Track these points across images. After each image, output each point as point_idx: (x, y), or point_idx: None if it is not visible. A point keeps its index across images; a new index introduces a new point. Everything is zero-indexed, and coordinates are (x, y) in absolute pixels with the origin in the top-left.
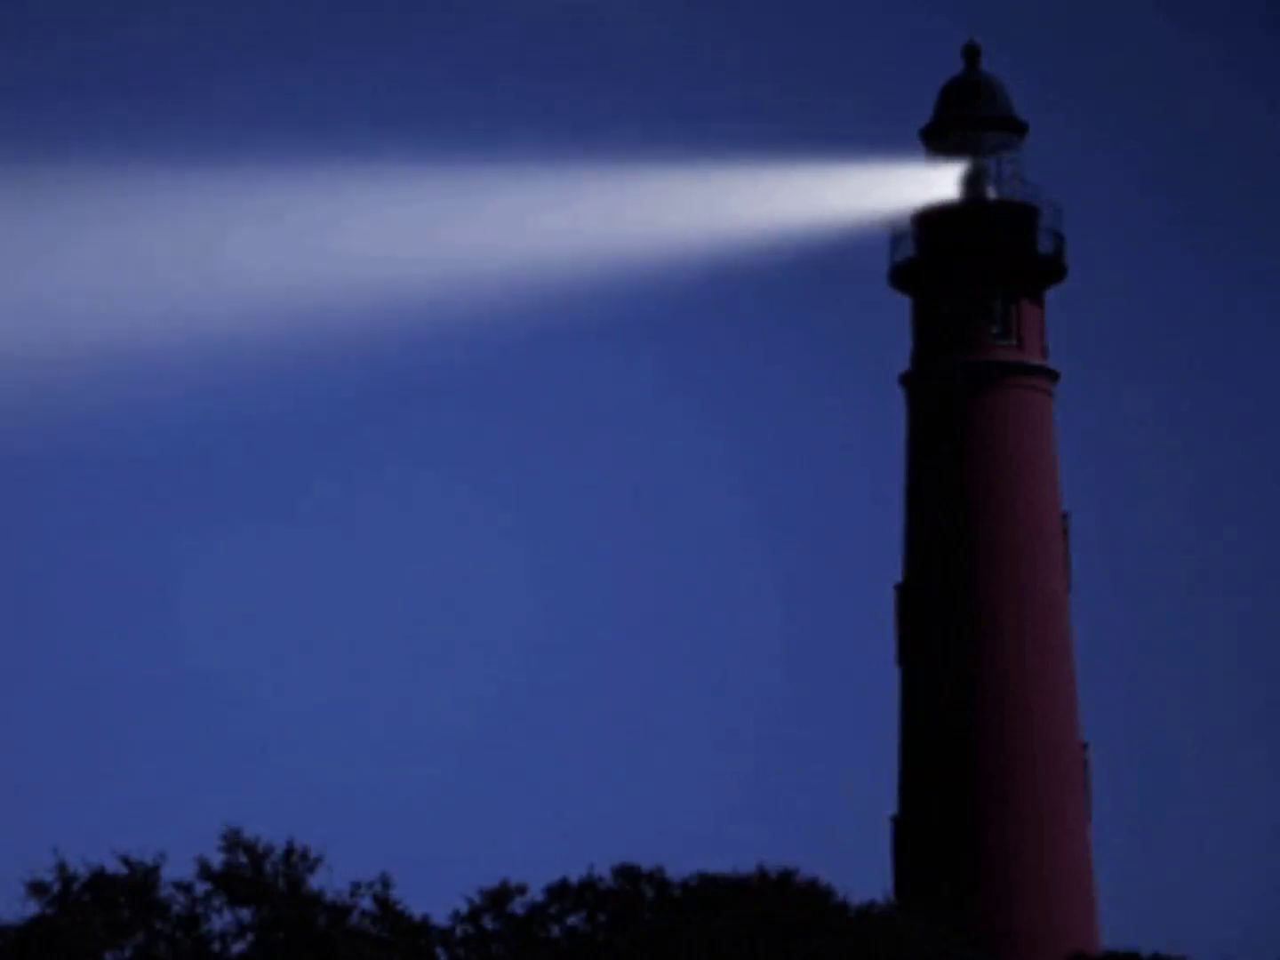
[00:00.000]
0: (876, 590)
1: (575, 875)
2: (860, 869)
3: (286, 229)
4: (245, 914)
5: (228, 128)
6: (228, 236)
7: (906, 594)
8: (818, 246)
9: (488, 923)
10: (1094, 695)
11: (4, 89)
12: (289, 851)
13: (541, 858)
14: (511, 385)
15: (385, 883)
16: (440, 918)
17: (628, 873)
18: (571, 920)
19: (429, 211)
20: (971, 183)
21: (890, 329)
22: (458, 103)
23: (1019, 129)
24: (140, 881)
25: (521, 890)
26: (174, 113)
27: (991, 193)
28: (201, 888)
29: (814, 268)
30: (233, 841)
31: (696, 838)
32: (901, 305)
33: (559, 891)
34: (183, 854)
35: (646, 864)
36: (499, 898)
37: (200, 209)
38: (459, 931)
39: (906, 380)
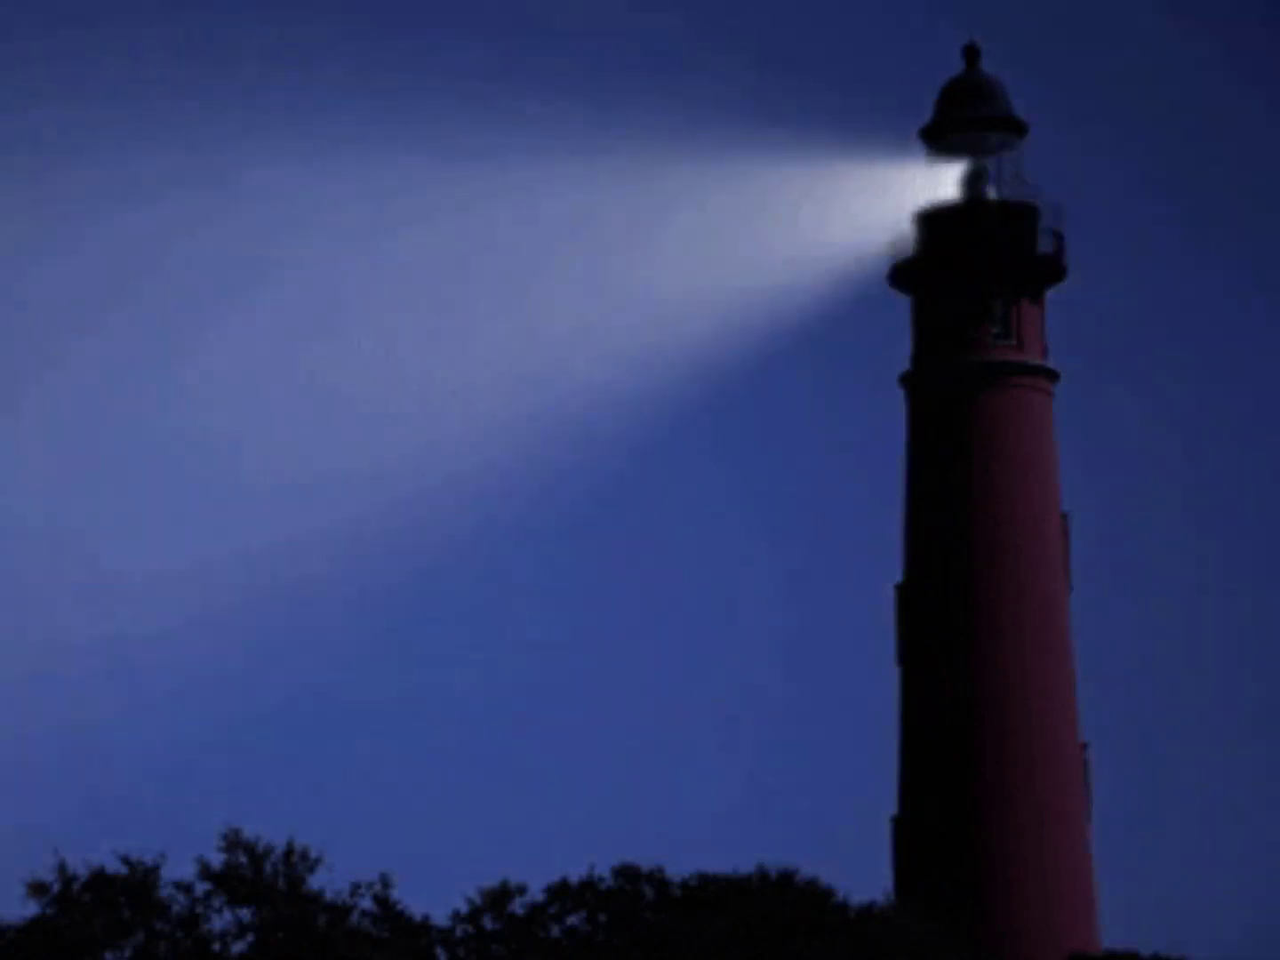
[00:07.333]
0: (876, 590)
1: (575, 875)
2: (860, 869)
3: None
4: (245, 914)
5: None
6: None
7: (906, 594)
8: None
9: (488, 923)
10: (1094, 695)
11: None
12: (289, 851)
13: (541, 858)
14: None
15: (385, 883)
16: (440, 918)
17: (628, 873)
18: (571, 920)
19: None
20: (971, 183)
21: (890, 329)
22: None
23: (1019, 129)
24: (140, 881)
25: (521, 890)
26: None
27: (991, 193)
28: (201, 888)
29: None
30: (233, 841)
31: (696, 838)
32: (902, 305)
33: (559, 891)
34: (183, 854)
35: (646, 864)
36: (499, 898)
37: None
38: (459, 931)
39: (906, 380)
